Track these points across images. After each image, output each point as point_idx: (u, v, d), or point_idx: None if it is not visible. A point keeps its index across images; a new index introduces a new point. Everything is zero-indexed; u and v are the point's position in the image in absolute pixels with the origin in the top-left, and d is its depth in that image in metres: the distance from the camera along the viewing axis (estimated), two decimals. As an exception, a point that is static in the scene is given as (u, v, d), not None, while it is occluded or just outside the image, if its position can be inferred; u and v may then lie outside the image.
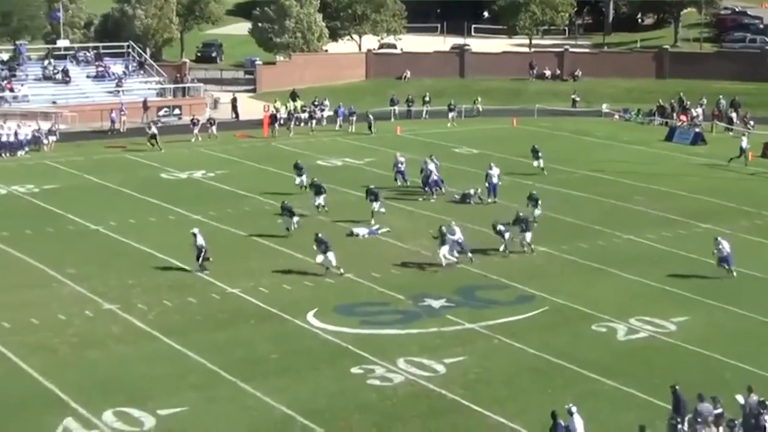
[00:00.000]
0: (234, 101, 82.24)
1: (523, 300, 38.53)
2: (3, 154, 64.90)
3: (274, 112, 75.82)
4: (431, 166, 54.40)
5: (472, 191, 53.00)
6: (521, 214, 43.63)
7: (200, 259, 40.80)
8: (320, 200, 49.35)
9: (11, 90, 78.35)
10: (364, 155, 63.92)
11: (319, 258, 40.45)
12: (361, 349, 33.45)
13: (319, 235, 40.91)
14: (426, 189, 54.02)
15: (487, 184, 52.86)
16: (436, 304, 37.88)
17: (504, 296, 39.01)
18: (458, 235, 42.34)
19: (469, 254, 42.25)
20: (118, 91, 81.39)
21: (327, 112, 79.11)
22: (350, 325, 35.68)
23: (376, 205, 48.39)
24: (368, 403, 29.79)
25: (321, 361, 32.66)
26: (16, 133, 66.02)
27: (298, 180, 53.42)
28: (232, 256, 43.18)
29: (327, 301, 37.90)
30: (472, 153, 66.51)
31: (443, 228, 42.13)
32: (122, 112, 74.67)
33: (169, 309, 37.10)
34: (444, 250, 41.63)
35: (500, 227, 43.43)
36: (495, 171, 53.18)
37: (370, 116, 74.67)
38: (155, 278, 39.89)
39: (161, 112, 79.76)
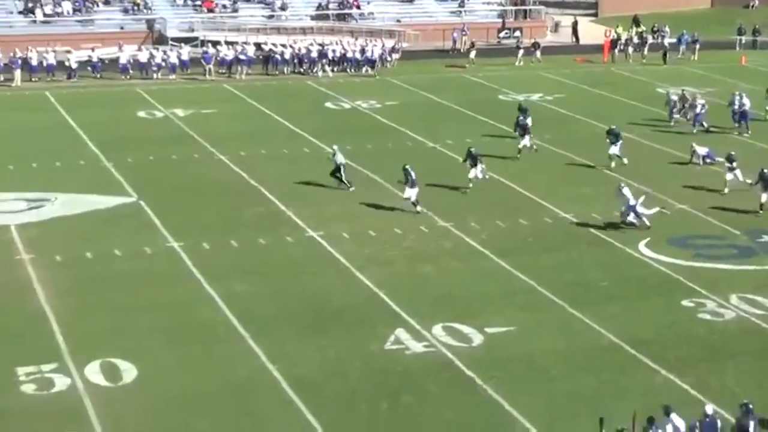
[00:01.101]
0: (575, 25, 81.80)
1: None
2: (348, 70, 67.03)
3: (615, 37, 74.91)
4: (745, 101, 52.03)
5: None
6: (766, 171, 39.29)
7: (337, 175, 41.52)
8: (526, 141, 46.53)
9: (358, 7, 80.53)
10: (705, 85, 62.26)
11: (408, 192, 38.79)
12: (692, 281, 32.95)
13: (407, 166, 38.87)
14: (737, 124, 51.75)
15: None
16: (774, 241, 36.82)
17: None
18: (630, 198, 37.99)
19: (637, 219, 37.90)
20: (461, 12, 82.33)
21: (668, 40, 77.37)
22: (683, 257, 35.15)
23: (477, 171, 42.17)
24: (697, 336, 29.37)
25: (651, 292, 32.38)
26: (362, 50, 67.96)
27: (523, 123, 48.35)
28: (564, 181, 43.28)
29: (660, 231, 37.35)
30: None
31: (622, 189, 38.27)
32: (464, 33, 75.62)
33: (502, 229, 37.58)
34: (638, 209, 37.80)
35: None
36: None
37: (666, 44, 72.62)
38: (489, 198, 40.36)
39: (501, 34, 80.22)
